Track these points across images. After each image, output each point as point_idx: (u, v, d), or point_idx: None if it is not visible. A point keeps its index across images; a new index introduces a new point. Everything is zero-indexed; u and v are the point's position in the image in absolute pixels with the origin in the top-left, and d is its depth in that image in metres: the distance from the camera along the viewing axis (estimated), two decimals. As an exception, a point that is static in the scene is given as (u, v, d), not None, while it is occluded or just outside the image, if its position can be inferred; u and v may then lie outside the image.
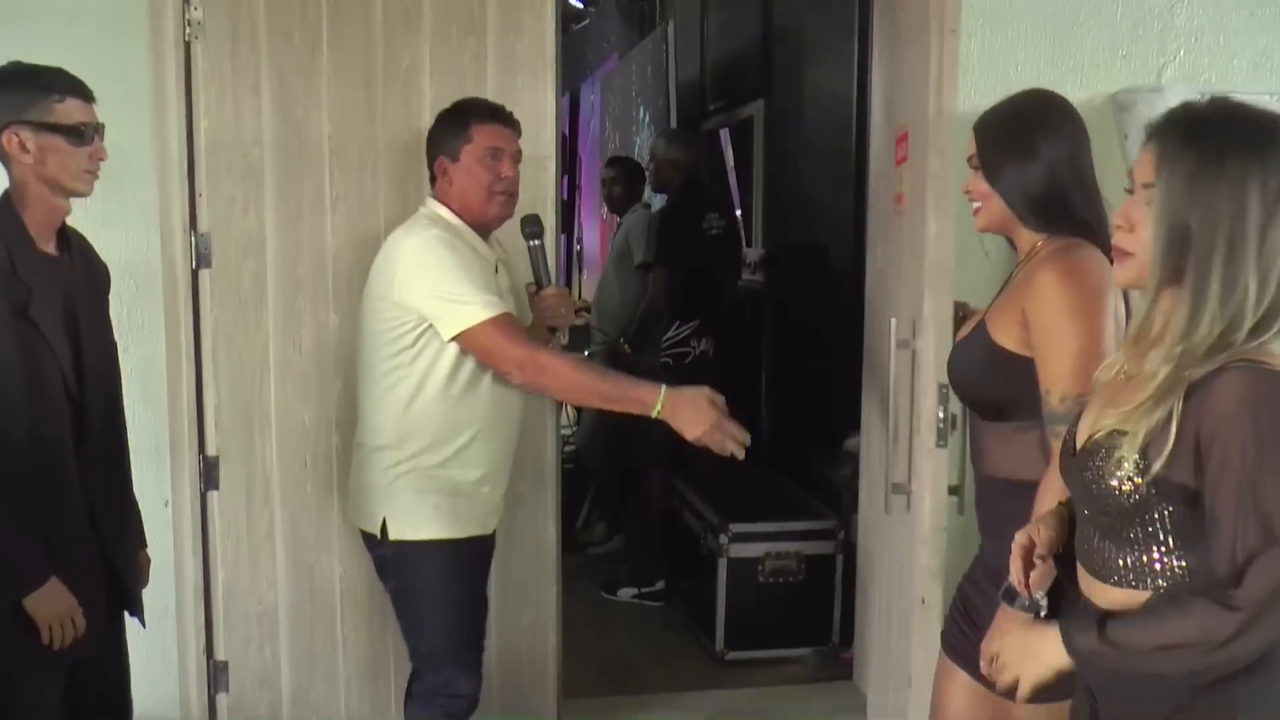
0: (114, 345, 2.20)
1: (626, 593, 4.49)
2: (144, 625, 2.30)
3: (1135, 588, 1.46)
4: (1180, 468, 1.38)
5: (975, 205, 2.04)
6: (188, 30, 2.85)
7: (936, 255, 2.63)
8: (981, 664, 1.91)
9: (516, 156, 2.56)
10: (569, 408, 5.64)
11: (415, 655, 2.59)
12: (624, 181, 5.14)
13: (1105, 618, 1.44)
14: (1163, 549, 1.44)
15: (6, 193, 2.01)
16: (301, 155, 2.95)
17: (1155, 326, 1.46)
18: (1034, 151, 1.94)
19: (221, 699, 3.06)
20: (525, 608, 3.20)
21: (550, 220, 3.05)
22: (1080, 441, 1.54)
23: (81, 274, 2.11)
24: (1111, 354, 1.83)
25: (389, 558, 2.56)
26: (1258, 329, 1.38)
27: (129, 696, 2.28)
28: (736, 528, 3.85)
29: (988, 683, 1.93)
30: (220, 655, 3.05)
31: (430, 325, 2.41)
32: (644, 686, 3.72)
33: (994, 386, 1.96)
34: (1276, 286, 1.38)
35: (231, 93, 2.90)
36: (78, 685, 2.08)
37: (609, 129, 7.47)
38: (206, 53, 2.87)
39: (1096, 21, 2.64)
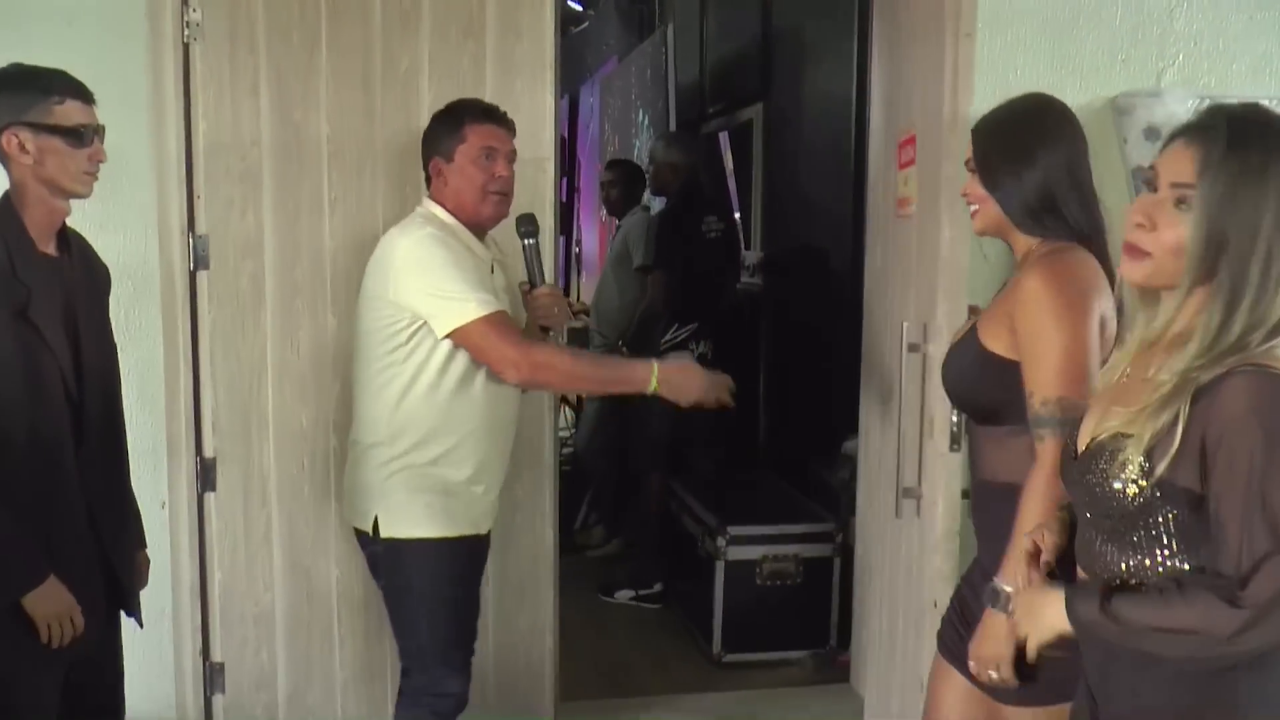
0: (114, 346, 2.20)
1: (624, 595, 4.49)
2: (141, 625, 2.30)
3: None
4: (1185, 471, 1.38)
5: (973, 208, 2.05)
6: (186, 32, 2.85)
7: (950, 259, 2.63)
8: (970, 665, 1.93)
9: (511, 156, 2.56)
10: (566, 410, 5.65)
11: (405, 653, 2.60)
12: (623, 184, 5.15)
13: (1111, 591, 1.44)
14: (1166, 552, 1.43)
15: (7, 194, 2.01)
16: (300, 157, 2.95)
17: (1176, 329, 1.45)
18: (1029, 156, 1.95)
19: (218, 700, 3.06)
20: (522, 609, 3.20)
21: (548, 222, 3.05)
22: (1082, 445, 1.53)
23: (81, 275, 2.11)
24: (1096, 359, 1.84)
25: (380, 555, 2.57)
26: (1272, 333, 1.38)
27: (122, 697, 2.28)
28: (734, 530, 3.85)
29: (980, 684, 1.95)
30: (216, 657, 3.04)
31: (424, 323, 2.42)
32: (641, 689, 3.71)
33: (985, 391, 1.96)
34: None
35: (230, 94, 2.90)
36: (74, 685, 2.07)
37: (608, 131, 7.47)
38: (205, 54, 2.87)
39: (1096, 25, 2.64)
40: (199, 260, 2.92)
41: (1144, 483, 1.40)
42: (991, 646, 1.89)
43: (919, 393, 2.77)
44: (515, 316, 2.57)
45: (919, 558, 2.86)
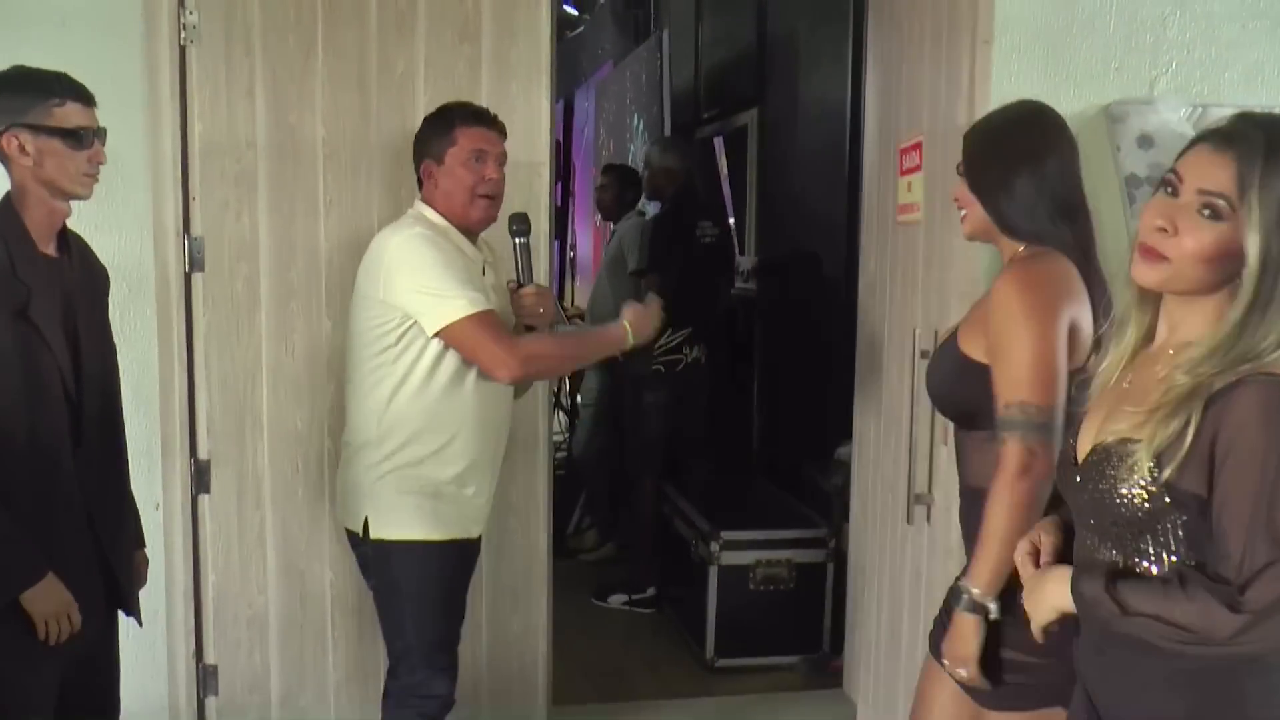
0: (113, 347, 2.21)
1: (617, 599, 4.49)
2: (140, 624, 2.31)
3: None
4: (1193, 476, 1.37)
5: (962, 213, 2.08)
6: (183, 34, 2.85)
7: (963, 265, 2.64)
8: (945, 663, 1.95)
9: (501, 159, 2.57)
10: (560, 414, 5.65)
11: (392, 653, 2.61)
12: (618, 188, 5.15)
13: (1116, 574, 1.44)
14: (1173, 558, 1.43)
15: (7, 195, 2.02)
16: (295, 159, 2.95)
17: (1184, 334, 1.45)
18: (1015, 163, 1.97)
19: (211, 702, 3.05)
20: (516, 613, 3.20)
21: (543, 226, 3.06)
22: (1083, 450, 1.53)
23: (81, 276, 2.12)
24: (1063, 364, 1.85)
25: (370, 556, 2.58)
26: None
27: (118, 697, 2.28)
28: (727, 535, 3.85)
29: (966, 688, 1.96)
30: (210, 659, 3.04)
31: (414, 323, 2.43)
32: (634, 693, 3.71)
33: (965, 396, 1.97)
34: None
35: (225, 96, 2.90)
36: (71, 684, 2.08)
37: (603, 136, 7.48)
38: (201, 56, 2.88)
39: (1089, 34, 2.65)
40: (194, 262, 2.92)
41: (1153, 488, 1.40)
42: (959, 646, 1.91)
43: (929, 399, 2.78)
44: (505, 318, 2.58)
45: (927, 564, 2.86)
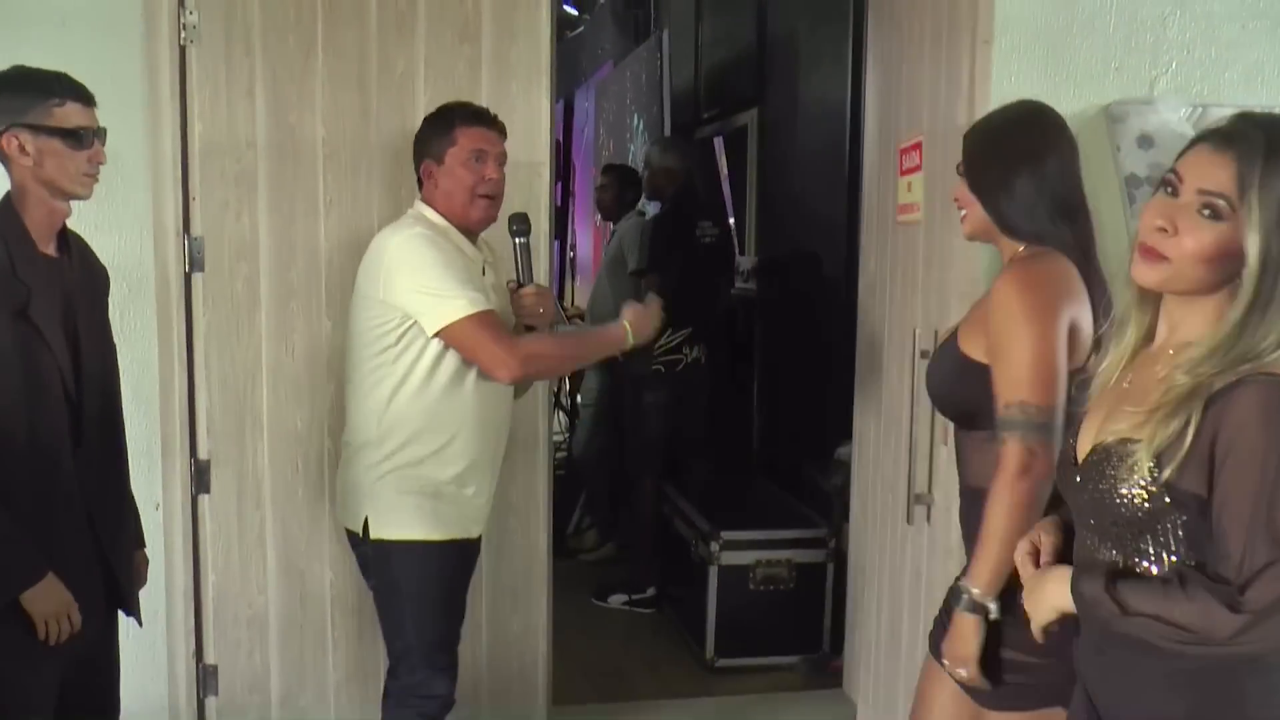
0: (113, 347, 2.21)
1: (617, 599, 4.49)
2: (141, 623, 2.31)
3: None
4: (1192, 476, 1.37)
5: (961, 213, 2.08)
6: (183, 34, 2.85)
7: (964, 266, 2.65)
8: (945, 664, 1.95)
9: (501, 159, 2.57)
10: (560, 414, 5.66)
11: (391, 653, 2.61)
12: (618, 188, 5.15)
13: (1117, 574, 1.44)
14: (1173, 558, 1.43)
15: (8, 195, 2.03)
16: (295, 159, 2.95)
17: (1183, 334, 1.46)
18: (1014, 163, 1.97)
19: (211, 703, 3.05)
20: (516, 614, 3.20)
21: (543, 226, 3.06)
22: (1083, 451, 1.53)
23: (81, 276, 2.12)
24: (1063, 364, 1.85)
25: (370, 556, 2.58)
26: None
27: (118, 697, 2.29)
28: (727, 535, 3.85)
29: (965, 688, 1.96)
30: (210, 659, 3.04)
31: (414, 323, 2.43)
32: (634, 693, 3.72)
33: (965, 396, 1.97)
34: None
35: (226, 96, 2.90)
36: (71, 684, 2.08)
37: (603, 136, 7.48)
38: (201, 56, 2.88)
39: (1089, 34, 2.65)
40: (194, 262, 2.92)
41: (1153, 488, 1.39)
42: (959, 646, 1.92)
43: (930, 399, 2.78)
44: (505, 318, 2.58)
45: (927, 564, 2.86)
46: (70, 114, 2.00)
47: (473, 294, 2.41)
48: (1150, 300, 1.52)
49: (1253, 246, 1.37)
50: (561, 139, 7.62)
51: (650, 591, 4.47)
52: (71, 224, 2.14)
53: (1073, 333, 1.88)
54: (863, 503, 3.47)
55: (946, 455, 2.66)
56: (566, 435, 5.65)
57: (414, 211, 2.57)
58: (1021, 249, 1.98)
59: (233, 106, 2.90)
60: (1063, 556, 1.63)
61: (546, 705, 3.26)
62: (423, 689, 2.54)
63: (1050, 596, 1.55)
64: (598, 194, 5.41)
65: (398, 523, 2.50)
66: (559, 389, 5.62)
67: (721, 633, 3.85)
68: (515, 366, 2.44)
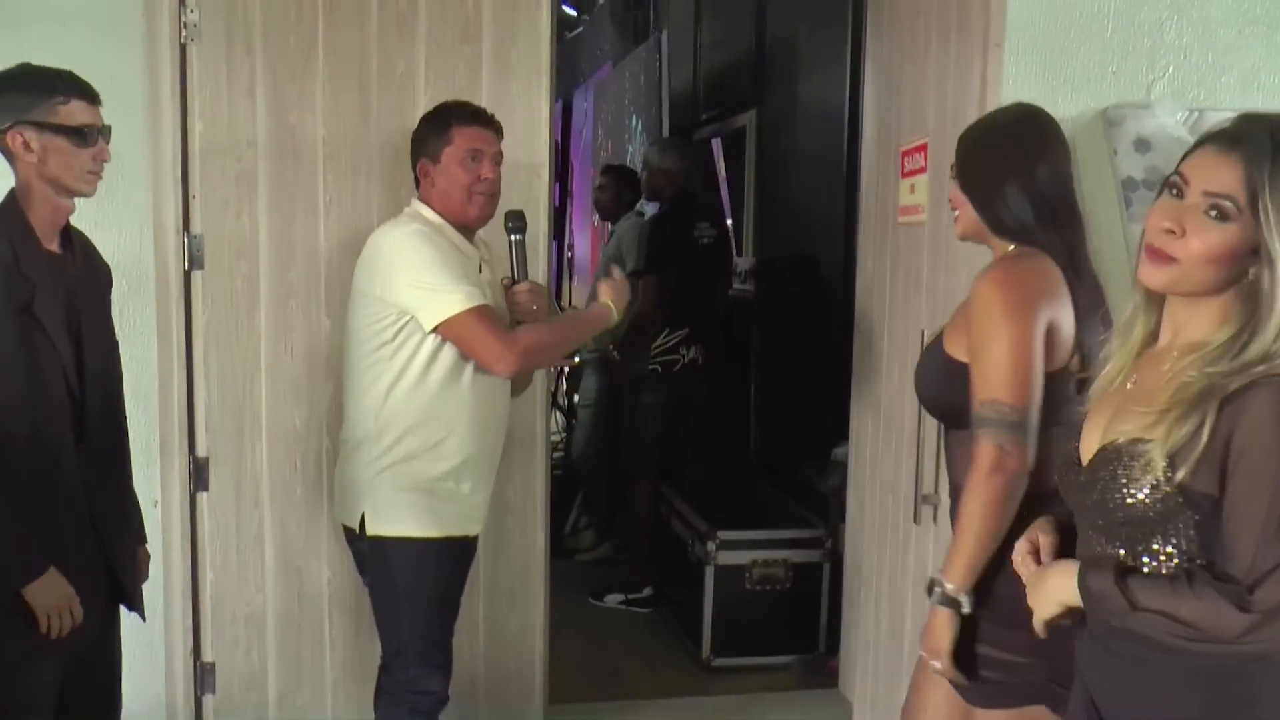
0: (115, 344, 2.22)
1: (614, 599, 4.50)
2: (144, 618, 2.32)
3: None
4: (1205, 477, 1.37)
5: (955, 213, 2.10)
6: (184, 33, 2.86)
7: (971, 266, 2.65)
8: (923, 655, 1.98)
9: (497, 158, 2.58)
10: (558, 415, 5.66)
11: (386, 650, 2.62)
12: (617, 189, 5.16)
13: (1125, 570, 1.44)
14: (1183, 557, 1.43)
15: (12, 191, 2.04)
16: (295, 159, 2.96)
17: (1190, 335, 1.46)
18: (1004, 164, 1.99)
19: (208, 700, 3.06)
20: (513, 613, 3.21)
21: (542, 226, 3.07)
22: (1088, 452, 1.53)
23: (84, 273, 2.14)
24: (1038, 364, 1.86)
25: (366, 553, 2.59)
26: None
27: (119, 694, 2.30)
28: (724, 535, 3.86)
29: (955, 685, 1.98)
30: (207, 657, 3.05)
31: (410, 319, 2.44)
32: (630, 692, 3.73)
33: (950, 395, 1.99)
34: None
35: (226, 95, 2.91)
36: (73, 680, 2.09)
37: (601, 137, 7.49)
38: (202, 55, 2.88)
39: (1087, 38, 2.66)
40: (194, 260, 2.93)
41: (1166, 488, 1.39)
42: (933, 639, 1.94)
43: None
44: (500, 314, 2.59)
45: (932, 564, 2.87)
46: (75, 112, 2.01)
47: (469, 289, 2.43)
48: (1156, 302, 1.52)
49: (1276, 248, 1.37)
50: (559, 140, 7.62)
51: (647, 591, 4.48)
52: (72, 221, 2.15)
53: (1052, 333, 1.90)
54: (859, 503, 3.48)
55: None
56: (563, 436, 5.65)
57: (411, 210, 2.59)
58: (1010, 250, 2.00)
59: (233, 106, 2.91)
60: (1060, 555, 1.64)
61: (543, 704, 3.27)
62: (416, 685, 2.56)
63: (1055, 591, 1.54)
64: (596, 194, 5.42)
65: (394, 519, 2.51)
66: (556, 389, 5.63)
67: (718, 632, 3.86)
68: (513, 359, 2.46)
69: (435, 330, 2.43)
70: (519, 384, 2.76)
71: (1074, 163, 2.57)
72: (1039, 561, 1.65)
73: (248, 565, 3.04)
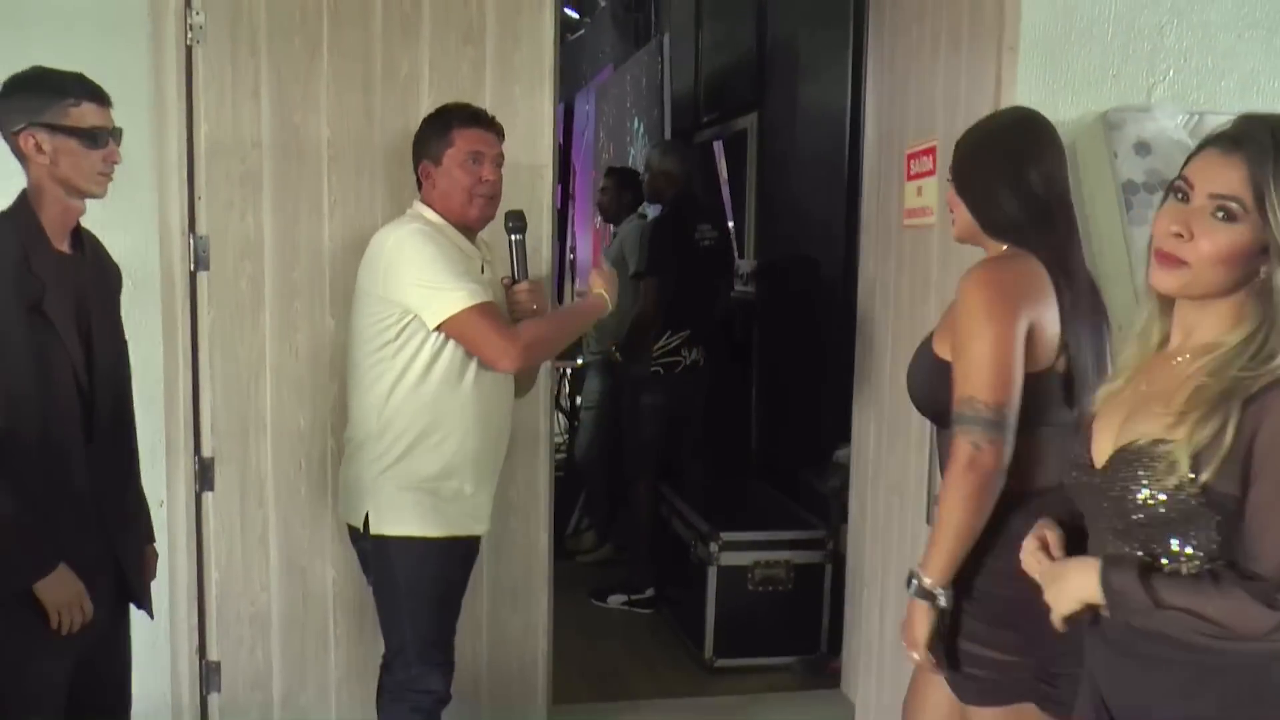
0: (124, 343, 2.24)
1: (616, 600, 4.51)
2: (152, 616, 2.34)
3: None
4: (1228, 477, 1.37)
5: (952, 216, 2.12)
6: (189, 35, 2.88)
7: None
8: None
9: (498, 160, 2.60)
10: (560, 417, 5.68)
11: (388, 648, 2.64)
12: (621, 191, 5.18)
13: (1148, 567, 1.43)
14: (1201, 554, 1.42)
15: (24, 192, 2.06)
16: (300, 160, 2.97)
17: (1203, 337, 1.47)
18: (996, 166, 2.01)
19: (213, 699, 3.07)
20: (516, 614, 3.22)
21: (545, 229, 3.09)
22: (1102, 454, 1.52)
23: (94, 273, 2.16)
24: (1017, 364, 1.87)
25: (370, 552, 2.60)
26: None
27: (129, 692, 2.31)
28: (726, 536, 3.87)
29: (948, 682, 2.01)
30: (212, 656, 3.06)
31: (413, 318, 2.46)
32: (632, 693, 3.74)
33: (936, 395, 2.00)
34: None
35: (231, 97, 2.92)
36: (83, 678, 2.11)
37: (603, 139, 7.50)
38: (207, 57, 2.90)
39: (1087, 41, 2.67)
40: (199, 261, 2.94)
41: (1191, 489, 1.39)
42: (909, 630, 1.98)
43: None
44: (501, 313, 2.61)
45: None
46: (86, 114, 2.03)
47: (472, 286, 2.45)
48: (1167, 306, 1.53)
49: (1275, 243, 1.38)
50: (561, 142, 7.64)
51: (649, 592, 4.50)
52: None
53: (1034, 334, 1.91)
54: (861, 504, 3.49)
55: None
56: (565, 437, 5.67)
57: (413, 211, 2.61)
58: (1003, 251, 2.02)
59: (238, 107, 2.92)
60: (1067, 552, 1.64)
61: (546, 705, 3.28)
62: (417, 684, 2.57)
63: (1074, 588, 1.52)
64: (599, 196, 5.44)
65: (397, 519, 2.53)
66: (558, 391, 5.64)
67: (720, 633, 3.88)
68: (517, 355, 2.47)
69: (439, 328, 2.44)
70: (523, 384, 2.78)
71: (1075, 166, 2.60)
72: (1049, 556, 1.64)
73: (252, 565, 3.05)
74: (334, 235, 2.99)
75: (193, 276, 2.94)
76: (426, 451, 2.52)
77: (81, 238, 2.15)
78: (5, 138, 2.04)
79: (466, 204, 2.56)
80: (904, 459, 3.11)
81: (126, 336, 2.29)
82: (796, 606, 3.89)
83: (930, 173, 2.96)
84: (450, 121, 2.58)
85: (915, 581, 1.96)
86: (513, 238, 2.67)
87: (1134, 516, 1.45)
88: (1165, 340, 1.55)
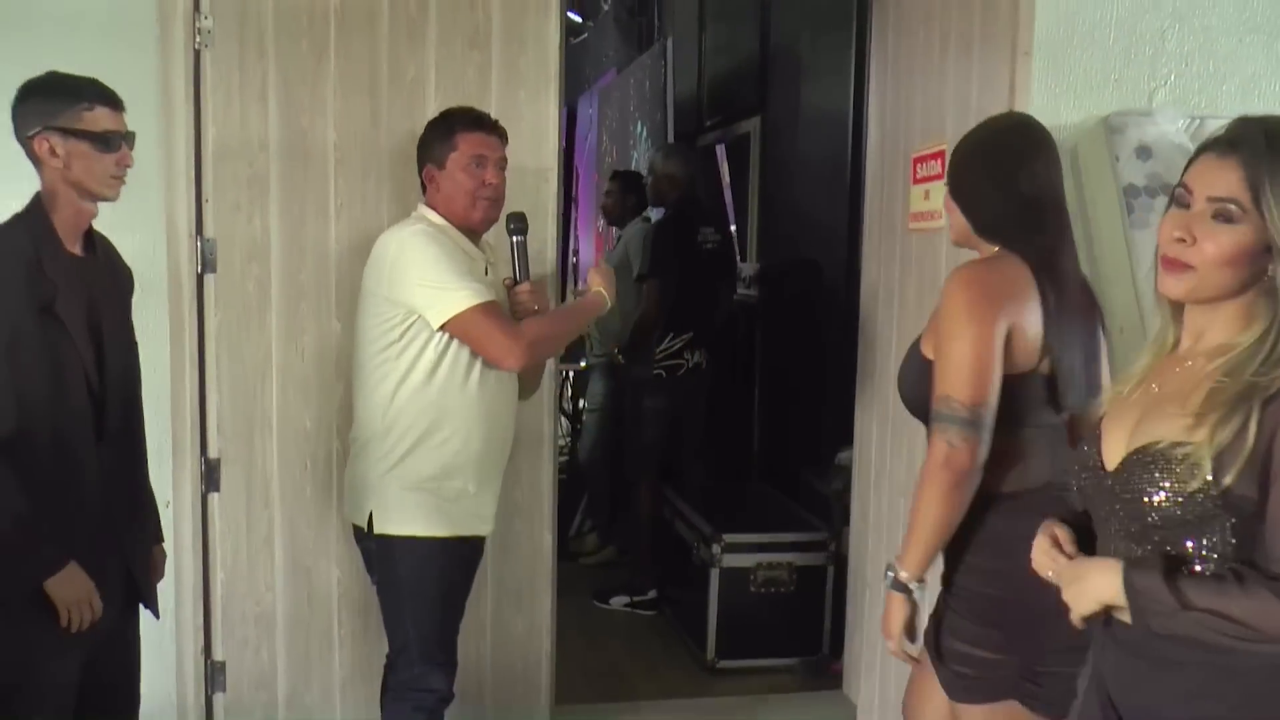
0: (135, 345, 2.26)
1: (619, 601, 4.52)
2: (158, 615, 2.35)
3: None
4: (1246, 479, 1.37)
5: (950, 220, 2.14)
6: (197, 39, 2.89)
7: None
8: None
9: (501, 163, 2.62)
10: (563, 419, 5.69)
11: (392, 648, 2.65)
12: (626, 194, 5.19)
13: (1172, 569, 1.42)
14: (1216, 556, 1.42)
15: (38, 195, 2.08)
16: (306, 163, 2.99)
17: (1213, 339, 1.48)
18: (985, 168, 2.04)
19: (218, 699, 3.09)
20: (520, 615, 3.24)
21: (550, 231, 3.11)
22: (1115, 456, 1.52)
23: (106, 275, 2.18)
24: (995, 364, 1.89)
25: (374, 551, 2.62)
26: None
27: (138, 692, 2.33)
28: (729, 538, 3.89)
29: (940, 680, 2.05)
30: (218, 655, 3.07)
31: (417, 319, 2.48)
32: (634, 694, 3.75)
33: (924, 395, 2.02)
34: None
35: (239, 100, 2.94)
36: (92, 677, 2.12)
37: (606, 143, 7.52)
38: (215, 61, 2.92)
39: (1089, 46, 2.69)
40: (206, 263, 2.96)
41: (1212, 490, 1.38)
42: (885, 622, 2.02)
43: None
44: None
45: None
46: (99, 118, 2.06)
47: (475, 285, 2.47)
48: (1178, 311, 1.53)
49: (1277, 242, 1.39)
50: (564, 145, 7.65)
51: (651, 594, 4.51)
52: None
53: (1014, 336, 1.93)
54: (863, 506, 3.50)
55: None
56: (568, 439, 5.68)
57: (417, 213, 2.63)
58: (994, 252, 2.04)
59: (246, 110, 2.94)
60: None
61: (549, 705, 3.29)
62: (419, 683, 2.59)
63: (1095, 589, 1.49)
64: (604, 199, 5.45)
65: (401, 518, 2.55)
66: (561, 393, 5.66)
67: (722, 634, 3.89)
68: (521, 353, 2.49)
69: (443, 327, 2.46)
70: (528, 385, 2.80)
71: (1076, 169, 2.62)
72: (1063, 553, 1.62)
73: (258, 565, 3.07)
74: (340, 237, 3.01)
75: (200, 279, 2.96)
76: (430, 451, 2.54)
77: (94, 240, 2.17)
78: (20, 141, 2.07)
79: (470, 207, 2.58)
80: (906, 461, 3.13)
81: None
82: (798, 608, 3.91)
83: (939, 176, 2.97)
84: (454, 126, 2.60)
85: (891, 574, 2.00)
86: (514, 239, 2.69)
87: (1149, 518, 1.45)
88: (1176, 344, 1.56)
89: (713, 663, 3.90)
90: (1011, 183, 2.01)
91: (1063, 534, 1.62)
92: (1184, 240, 1.45)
